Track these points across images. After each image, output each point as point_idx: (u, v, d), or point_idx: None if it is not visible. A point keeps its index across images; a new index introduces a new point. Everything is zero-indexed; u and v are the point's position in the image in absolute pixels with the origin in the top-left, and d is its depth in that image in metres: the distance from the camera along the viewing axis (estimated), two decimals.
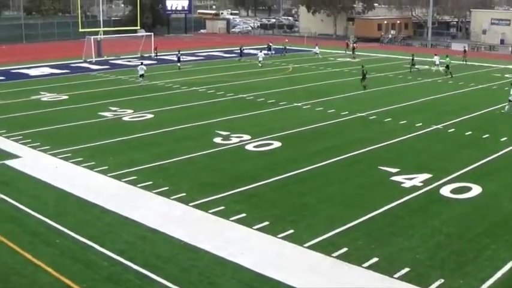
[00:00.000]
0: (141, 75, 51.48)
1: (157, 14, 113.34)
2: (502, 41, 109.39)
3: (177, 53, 65.28)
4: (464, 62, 72.70)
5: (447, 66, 61.63)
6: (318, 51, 77.18)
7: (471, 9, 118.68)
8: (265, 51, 72.95)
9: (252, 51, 79.19)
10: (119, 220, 21.47)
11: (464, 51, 76.39)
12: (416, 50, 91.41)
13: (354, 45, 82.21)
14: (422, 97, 48.56)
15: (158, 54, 74.25)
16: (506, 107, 41.62)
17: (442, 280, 17.39)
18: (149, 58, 71.96)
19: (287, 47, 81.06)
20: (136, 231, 20.50)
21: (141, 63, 53.55)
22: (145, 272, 17.41)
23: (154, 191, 24.38)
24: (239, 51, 75.71)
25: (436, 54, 67.71)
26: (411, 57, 66.55)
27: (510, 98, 41.53)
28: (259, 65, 66.19)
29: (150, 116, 39.12)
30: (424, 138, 34.99)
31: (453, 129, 36.81)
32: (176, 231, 20.38)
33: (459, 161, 29.88)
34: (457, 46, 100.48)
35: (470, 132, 36.04)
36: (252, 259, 18.42)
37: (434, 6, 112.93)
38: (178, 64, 63.44)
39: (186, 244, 19.44)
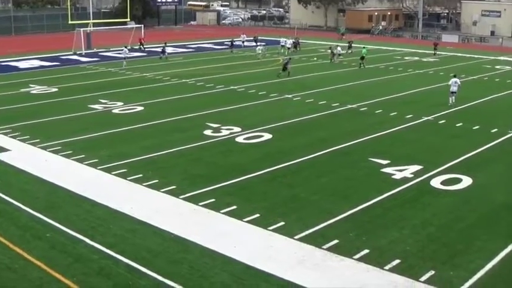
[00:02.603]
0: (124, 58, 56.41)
1: (147, 6, 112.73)
2: (492, 33, 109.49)
3: (163, 45, 65.23)
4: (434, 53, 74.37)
5: (362, 58, 61.84)
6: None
7: (461, 1, 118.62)
8: (262, 44, 72.29)
9: (247, 44, 78.95)
10: (109, 213, 21.39)
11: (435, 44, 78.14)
12: (407, 42, 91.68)
13: (343, 37, 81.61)
14: (412, 88, 48.64)
15: (144, 46, 73.48)
16: (450, 99, 41.04)
17: (433, 272, 17.44)
18: (139, 50, 71.66)
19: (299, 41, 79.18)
20: (127, 224, 20.43)
21: (125, 47, 57.55)
22: (135, 265, 17.36)
23: (144, 184, 24.30)
24: (230, 43, 75.54)
25: (338, 46, 68.48)
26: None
27: (451, 90, 40.91)
28: (258, 57, 66.12)
29: (140, 108, 38.99)
30: (415, 129, 35.02)
31: (444, 121, 36.86)
32: (166, 224, 20.33)
33: (450, 153, 29.92)
34: (447, 38, 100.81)
35: (461, 124, 36.09)
36: (243, 251, 18.40)
37: None
38: (161, 55, 63.42)
39: (176, 237, 19.40)
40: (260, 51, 67.44)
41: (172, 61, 62.70)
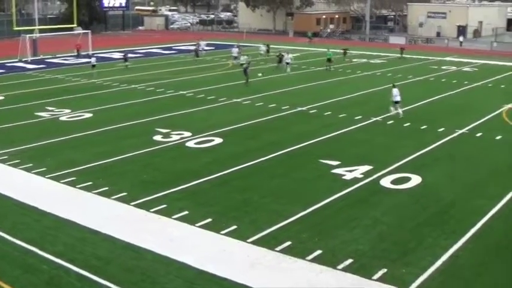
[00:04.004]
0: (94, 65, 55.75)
1: (94, 11, 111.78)
2: (438, 34, 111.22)
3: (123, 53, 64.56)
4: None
5: (328, 60, 62.48)
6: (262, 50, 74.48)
7: (408, 3, 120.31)
8: (237, 48, 70.45)
9: (191, 48, 78.53)
10: (58, 222, 21.03)
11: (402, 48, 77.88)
12: (355, 44, 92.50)
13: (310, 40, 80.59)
14: (361, 90, 49.10)
15: (80, 53, 72.23)
16: (391, 108, 39.08)
17: (385, 270, 17.60)
18: (86, 56, 70.78)
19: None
20: (76, 233, 20.12)
21: (92, 55, 56.74)
22: (86, 274, 17.10)
23: (94, 192, 23.98)
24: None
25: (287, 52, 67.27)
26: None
27: (395, 99, 38.54)
28: (234, 62, 65.14)
29: (88, 115, 38.52)
30: (364, 130, 35.32)
31: (392, 121, 37.24)
32: (118, 232, 20.08)
33: (399, 152, 30.25)
34: (394, 39, 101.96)
35: (409, 124, 36.51)
36: (196, 257, 18.28)
37: (372, 0, 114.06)
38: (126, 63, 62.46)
39: (128, 244, 19.16)
40: (236, 54, 66.55)
41: (120, 67, 62.08)
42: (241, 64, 57.56)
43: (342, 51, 72.89)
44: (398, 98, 38.44)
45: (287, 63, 60.15)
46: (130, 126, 35.52)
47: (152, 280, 16.85)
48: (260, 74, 50.83)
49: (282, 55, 62.85)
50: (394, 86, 39.54)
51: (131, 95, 46.28)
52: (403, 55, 75.57)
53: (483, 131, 35.39)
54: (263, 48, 73.97)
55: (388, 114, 38.51)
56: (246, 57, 60.81)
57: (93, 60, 57.50)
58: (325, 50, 65.47)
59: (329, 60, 62.64)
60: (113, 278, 16.88)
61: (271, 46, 76.14)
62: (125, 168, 27.32)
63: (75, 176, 25.79)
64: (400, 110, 38.56)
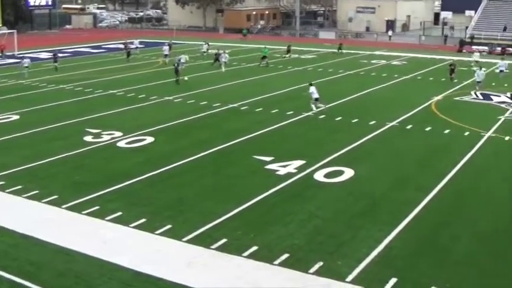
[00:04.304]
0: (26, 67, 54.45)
1: (19, 10, 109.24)
2: (367, 29, 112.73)
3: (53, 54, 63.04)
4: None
5: (263, 57, 62.74)
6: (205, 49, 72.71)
7: None
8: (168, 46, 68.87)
9: (119, 46, 77.53)
10: None
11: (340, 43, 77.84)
12: (285, 40, 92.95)
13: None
14: (292, 85, 49.33)
15: (4, 54, 70.37)
16: (313, 106, 38.94)
17: (321, 263, 17.77)
18: (12, 57, 69.19)
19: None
20: (8, 239, 19.60)
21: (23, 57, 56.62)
22: (19, 281, 16.68)
23: (24, 196, 23.41)
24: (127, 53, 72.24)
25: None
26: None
27: (315, 97, 38.70)
28: (166, 61, 64.01)
29: (15, 117, 37.59)
30: (296, 125, 35.54)
31: (324, 116, 37.56)
32: (50, 236, 19.66)
33: (331, 146, 30.54)
34: (324, 34, 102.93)
35: (340, 118, 36.91)
36: (131, 258, 18.07)
37: None
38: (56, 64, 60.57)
39: (61, 248, 18.78)
40: (167, 52, 65.32)
41: (48, 67, 60.85)
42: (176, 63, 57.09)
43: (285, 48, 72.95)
44: (317, 95, 38.75)
45: (224, 62, 59.57)
46: (59, 127, 34.86)
47: (86, 283, 16.57)
48: (186, 78, 50.20)
49: (219, 53, 62.28)
50: (311, 84, 39.88)
51: (60, 95, 45.39)
52: (341, 50, 75.51)
53: (413, 123, 36.02)
54: (205, 46, 72.75)
55: (312, 112, 38.71)
56: (185, 56, 60.22)
57: (26, 61, 55.64)
58: (257, 46, 65.52)
59: (264, 57, 62.71)
60: (46, 283, 16.53)
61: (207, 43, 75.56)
62: (55, 171, 26.80)
63: (4, 181, 25.13)
64: (322, 105, 39.09)
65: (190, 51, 72.85)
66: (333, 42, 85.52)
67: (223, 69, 58.32)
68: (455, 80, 52.94)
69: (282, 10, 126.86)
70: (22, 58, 57.89)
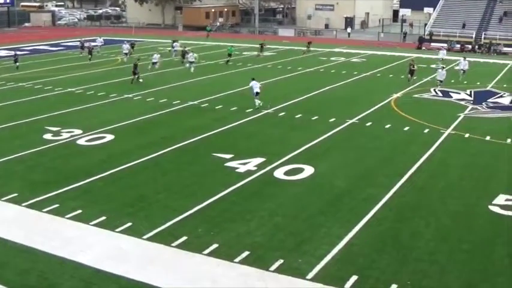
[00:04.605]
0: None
1: None
2: (326, 26, 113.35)
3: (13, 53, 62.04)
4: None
5: (229, 55, 63.23)
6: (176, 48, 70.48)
7: None
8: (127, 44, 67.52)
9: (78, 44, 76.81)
10: None
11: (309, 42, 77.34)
12: (244, 37, 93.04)
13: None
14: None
15: None
16: (256, 100, 39.41)
17: (282, 260, 17.89)
18: None
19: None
20: None
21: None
22: None
23: None
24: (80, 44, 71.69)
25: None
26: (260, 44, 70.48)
27: (253, 91, 39.54)
28: (125, 59, 63.63)
29: None
30: (256, 123, 35.67)
31: (283, 113, 37.78)
32: (10, 234, 19.55)
33: (291, 144, 30.72)
34: (283, 32, 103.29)
35: (300, 115, 37.13)
36: (91, 256, 18.08)
37: None
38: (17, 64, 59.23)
39: (22, 246, 18.70)
40: (127, 51, 64.94)
41: (5, 65, 60.14)
42: (153, 63, 56.82)
43: (258, 45, 72.57)
44: (258, 90, 39.26)
45: (190, 62, 57.17)
46: (18, 125, 34.54)
47: (49, 282, 16.54)
48: (141, 80, 49.45)
49: (186, 51, 61.75)
50: (253, 79, 40.41)
51: (18, 93, 44.91)
52: (310, 48, 74.40)
53: (373, 120, 36.37)
54: (177, 44, 71.34)
55: (257, 107, 39.02)
56: (158, 55, 58.91)
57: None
58: (216, 44, 65.47)
59: (229, 55, 63.04)
60: (9, 283, 16.46)
61: (162, 41, 75.22)
62: (15, 169, 26.59)
63: None
64: (257, 102, 39.38)
65: (150, 49, 72.54)
66: (291, 40, 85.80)
67: (192, 69, 56.15)
68: (414, 78, 52.06)
69: (241, 7, 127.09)
70: None
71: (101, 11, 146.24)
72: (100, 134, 32.32)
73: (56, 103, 40.92)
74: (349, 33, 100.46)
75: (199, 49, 73.27)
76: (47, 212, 21.49)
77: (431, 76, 52.61)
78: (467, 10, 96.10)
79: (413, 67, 51.87)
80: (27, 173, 25.99)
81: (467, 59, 57.03)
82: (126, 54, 64.37)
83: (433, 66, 61.09)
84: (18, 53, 63.29)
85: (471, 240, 19.85)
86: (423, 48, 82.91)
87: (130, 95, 43.64)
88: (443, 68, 51.04)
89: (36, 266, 17.51)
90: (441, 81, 48.89)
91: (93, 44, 71.69)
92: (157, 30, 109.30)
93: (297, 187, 24.63)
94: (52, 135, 32.03)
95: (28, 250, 18.50)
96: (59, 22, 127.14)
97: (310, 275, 17.10)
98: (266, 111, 37.97)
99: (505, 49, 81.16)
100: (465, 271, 17.70)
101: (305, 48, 74.11)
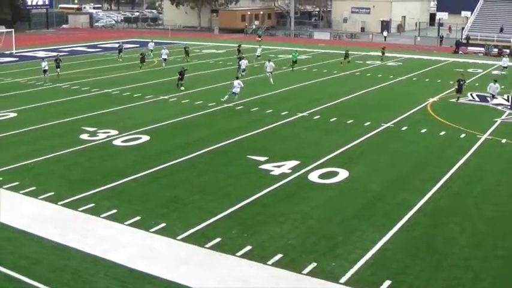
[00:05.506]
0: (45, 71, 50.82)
1: (17, 10, 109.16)
2: (362, 29, 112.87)
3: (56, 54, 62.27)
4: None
5: (294, 62, 61.27)
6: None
7: None
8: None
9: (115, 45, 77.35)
10: None
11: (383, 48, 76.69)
12: (280, 40, 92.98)
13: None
14: (286, 86, 49.41)
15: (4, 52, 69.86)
16: (227, 96, 41.30)
17: (315, 264, 17.86)
18: (10, 55, 69.30)
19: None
20: (4, 233, 19.77)
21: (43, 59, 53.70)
22: (15, 275, 16.85)
23: (21, 192, 23.58)
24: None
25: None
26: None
27: (233, 90, 41.12)
28: (163, 64, 62.38)
29: (13, 115, 37.72)
30: (291, 125, 35.68)
31: (318, 116, 37.72)
32: (46, 232, 19.83)
33: (325, 147, 30.68)
34: (319, 35, 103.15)
35: (335, 119, 37.05)
36: (125, 255, 18.24)
37: None
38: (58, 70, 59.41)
39: (56, 244, 18.96)
40: (165, 56, 62.56)
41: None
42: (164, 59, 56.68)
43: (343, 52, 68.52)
44: (237, 90, 40.74)
45: (243, 70, 53.86)
46: (56, 125, 35.00)
47: (82, 280, 16.72)
48: (183, 88, 49.04)
49: (241, 57, 58.11)
50: (237, 78, 42.04)
51: (56, 93, 45.51)
52: (349, 59, 68.06)
53: (408, 124, 36.17)
54: (259, 50, 69.32)
55: (223, 100, 40.63)
56: (245, 61, 56.06)
57: (43, 64, 51.41)
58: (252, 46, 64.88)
59: (295, 62, 60.84)
60: (42, 279, 16.68)
61: (198, 44, 75.33)
62: (52, 168, 26.95)
63: (1, 177, 25.28)
64: (227, 98, 40.64)
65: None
66: (327, 43, 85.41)
67: (271, 80, 51.25)
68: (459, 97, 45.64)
69: (277, 10, 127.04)
70: (42, 60, 53.58)
71: (137, 13, 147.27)
72: (136, 135, 32.58)
73: (93, 104, 41.30)
74: (385, 37, 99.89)
75: (233, 53, 73.43)
76: (83, 211, 21.75)
77: (469, 80, 52.03)
78: (505, 14, 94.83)
79: (464, 82, 45.82)
80: (65, 172, 26.31)
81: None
82: (164, 59, 61.97)
83: (495, 72, 60.29)
84: (56, 54, 63.66)
85: (506, 246, 19.63)
86: (460, 52, 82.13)
87: (166, 97, 43.90)
88: (495, 82, 44.46)
89: (70, 263, 17.71)
90: (493, 96, 43.62)
91: (144, 48, 71.05)
92: (193, 33, 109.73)
93: (331, 190, 24.59)
94: (89, 136, 32.37)
95: (63, 248, 18.73)
96: (97, 24, 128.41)
97: (343, 279, 17.05)
98: (301, 114, 37.94)
99: None
100: (500, 278, 17.53)
101: (343, 59, 67.13)
